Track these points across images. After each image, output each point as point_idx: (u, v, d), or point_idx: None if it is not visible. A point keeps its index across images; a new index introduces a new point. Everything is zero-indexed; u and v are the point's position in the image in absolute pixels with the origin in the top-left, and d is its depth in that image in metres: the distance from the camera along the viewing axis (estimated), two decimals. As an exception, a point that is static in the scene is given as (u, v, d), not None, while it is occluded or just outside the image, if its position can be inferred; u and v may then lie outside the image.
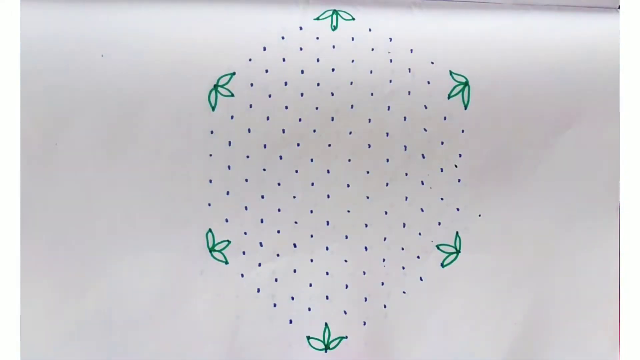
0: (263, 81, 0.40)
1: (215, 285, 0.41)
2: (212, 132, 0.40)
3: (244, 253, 0.41)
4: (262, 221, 0.41)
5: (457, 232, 0.42)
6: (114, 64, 0.39)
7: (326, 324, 0.42)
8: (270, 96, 0.40)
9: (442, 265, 0.42)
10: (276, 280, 0.41)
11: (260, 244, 0.41)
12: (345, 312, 0.42)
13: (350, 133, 0.41)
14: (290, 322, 0.42)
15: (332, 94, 0.41)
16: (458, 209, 0.42)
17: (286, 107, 0.41)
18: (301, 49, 0.40)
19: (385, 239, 0.42)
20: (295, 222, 0.41)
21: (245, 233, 0.41)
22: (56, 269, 0.40)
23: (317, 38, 0.41)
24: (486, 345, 0.42)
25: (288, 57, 0.40)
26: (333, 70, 0.40)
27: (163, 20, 0.40)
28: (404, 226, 0.42)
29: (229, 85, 0.40)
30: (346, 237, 0.42)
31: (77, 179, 0.40)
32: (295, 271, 0.42)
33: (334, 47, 0.41)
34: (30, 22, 0.39)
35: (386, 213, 0.42)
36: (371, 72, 0.41)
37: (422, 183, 0.42)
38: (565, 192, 0.42)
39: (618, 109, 0.41)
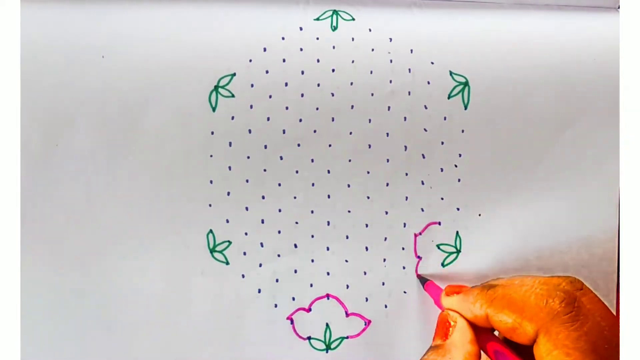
0: (263, 82, 0.40)
1: (216, 286, 0.41)
2: (212, 133, 0.40)
3: (244, 253, 0.41)
4: (262, 221, 0.41)
5: (457, 232, 0.42)
6: (114, 64, 0.39)
7: (327, 324, 0.42)
8: (270, 97, 0.40)
9: (443, 265, 0.42)
10: (277, 280, 0.41)
11: (261, 245, 0.41)
12: (346, 312, 0.42)
13: (351, 133, 0.41)
14: (292, 322, 0.41)
15: (333, 95, 0.41)
16: (458, 209, 0.42)
17: (286, 108, 0.40)
18: (301, 49, 0.40)
19: (385, 238, 0.42)
20: (296, 223, 0.41)
21: (246, 233, 0.41)
22: (56, 270, 0.40)
23: (317, 38, 0.41)
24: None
25: (288, 58, 0.40)
26: (333, 70, 0.40)
27: (163, 21, 0.40)
28: (404, 226, 0.42)
29: (229, 86, 0.40)
30: (347, 237, 0.42)
31: (77, 180, 0.40)
32: (296, 271, 0.42)
33: (334, 47, 0.41)
34: (30, 23, 0.39)
35: (387, 213, 0.42)
36: (371, 72, 0.41)
37: (423, 183, 0.42)
38: (565, 192, 0.42)
39: (618, 109, 0.41)
